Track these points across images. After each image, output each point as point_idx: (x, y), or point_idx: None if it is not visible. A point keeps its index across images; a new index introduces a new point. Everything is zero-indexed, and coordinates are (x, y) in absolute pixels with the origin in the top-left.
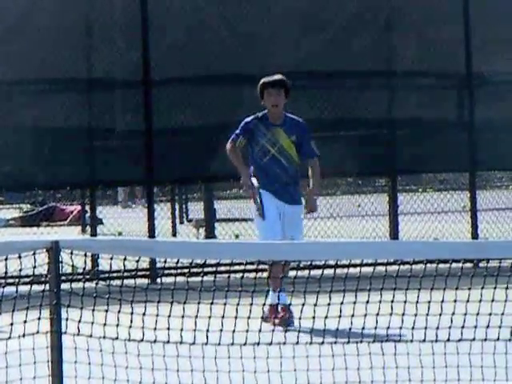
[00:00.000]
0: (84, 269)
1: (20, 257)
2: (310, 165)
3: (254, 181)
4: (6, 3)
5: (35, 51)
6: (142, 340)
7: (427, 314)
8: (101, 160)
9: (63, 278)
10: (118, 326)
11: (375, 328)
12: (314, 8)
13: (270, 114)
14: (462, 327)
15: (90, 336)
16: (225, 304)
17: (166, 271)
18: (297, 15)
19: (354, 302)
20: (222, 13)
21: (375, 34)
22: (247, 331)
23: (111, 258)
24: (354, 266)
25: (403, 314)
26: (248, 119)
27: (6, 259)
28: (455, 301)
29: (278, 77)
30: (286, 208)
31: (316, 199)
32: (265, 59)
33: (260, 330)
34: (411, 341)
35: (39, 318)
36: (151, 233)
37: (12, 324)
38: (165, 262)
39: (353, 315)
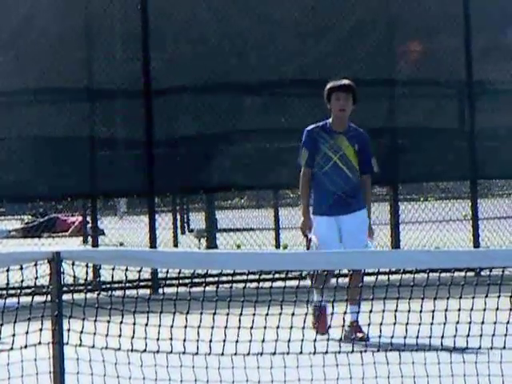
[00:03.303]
0: (86, 279)
1: (21, 268)
2: (362, 179)
3: (312, 237)
4: (6, 14)
5: (36, 62)
6: (144, 350)
7: (431, 323)
8: (102, 170)
9: (65, 288)
10: (120, 336)
11: (379, 337)
12: (314, 17)
13: (335, 119)
14: (467, 336)
15: (92, 347)
16: (227, 314)
17: (168, 281)
18: (297, 24)
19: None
20: (221, 23)
21: (376, 43)
22: (250, 341)
23: (113, 269)
24: None
25: (407, 324)
26: (309, 128)
27: (7, 270)
28: (459, 310)
29: (347, 81)
30: (345, 219)
31: (370, 224)
32: (265, 69)
33: (263, 340)
34: (416, 350)
35: (41, 329)
36: (153, 243)
37: (14, 335)
38: (166, 272)
39: None
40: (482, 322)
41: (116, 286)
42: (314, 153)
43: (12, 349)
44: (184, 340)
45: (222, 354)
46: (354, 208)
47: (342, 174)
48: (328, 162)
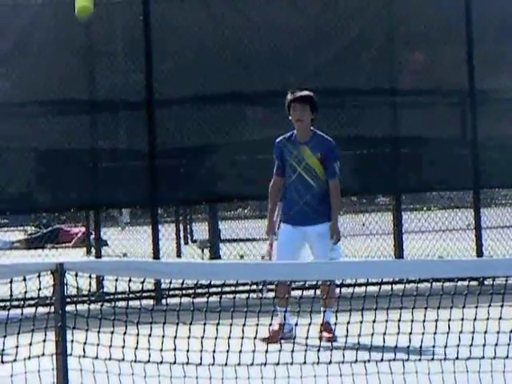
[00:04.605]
0: (89, 290)
1: (25, 279)
2: (330, 186)
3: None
4: (8, 25)
5: (39, 74)
6: (148, 361)
7: (435, 333)
8: (105, 181)
9: (68, 299)
10: (123, 347)
11: (383, 347)
12: (316, 27)
13: (296, 130)
14: (471, 345)
15: (96, 358)
16: (231, 324)
17: (171, 292)
18: (299, 34)
19: (361, 322)
20: (224, 33)
21: (377, 53)
22: (254, 351)
23: (116, 280)
24: (360, 285)
25: (410, 333)
26: (277, 139)
27: (10, 282)
28: (462, 319)
29: (304, 92)
30: (309, 230)
31: (336, 226)
32: (268, 79)
33: (267, 351)
34: (419, 359)
35: (44, 341)
36: (156, 254)
37: (17, 346)
38: (170, 283)
39: (360, 334)
40: (485, 332)
41: (119, 296)
42: (283, 163)
43: (15, 360)
44: (187, 350)
45: (226, 364)
46: (317, 221)
47: (306, 184)
48: (294, 172)
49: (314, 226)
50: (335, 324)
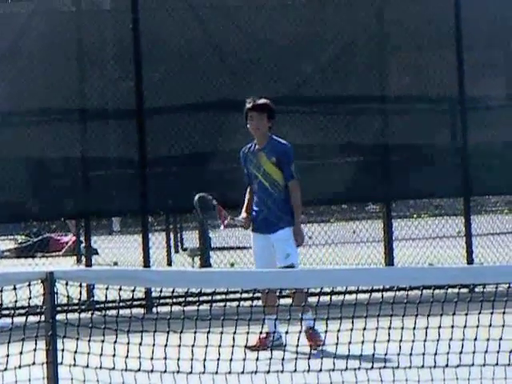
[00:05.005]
0: (79, 299)
1: (15, 288)
2: (289, 187)
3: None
4: None
5: (28, 82)
6: (138, 370)
7: (425, 340)
8: (95, 190)
9: (58, 308)
10: (114, 356)
11: (373, 355)
12: (307, 34)
13: (255, 138)
14: (460, 353)
15: (87, 367)
16: (221, 333)
17: (162, 301)
18: (290, 42)
19: (351, 329)
20: (214, 41)
21: (368, 60)
22: (244, 360)
23: (106, 288)
24: (350, 292)
25: (401, 341)
26: (242, 149)
27: (1, 291)
28: (452, 326)
29: (260, 101)
30: (272, 237)
31: (299, 229)
32: (259, 86)
33: (257, 359)
34: (410, 367)
35: (35, 350)
36: (146, 262)
37: (8, 355)
38: (160, 291)
39: (350, 342)
40: (475, 339)
41: (110, 305)
42: (248, 172)
43: (6, 369)
44: (178, 359)
45: (216, 372)
46: (277, 227)
47: (266, 191)
48: (255, 180)
49: (275, 233)
50: (326, 332)
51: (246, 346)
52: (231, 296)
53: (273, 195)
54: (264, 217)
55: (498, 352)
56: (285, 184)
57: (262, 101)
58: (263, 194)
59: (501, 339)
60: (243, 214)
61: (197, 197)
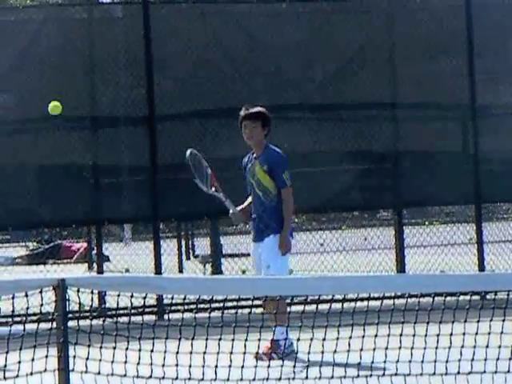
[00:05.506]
0: (91, 306)
1: (27, 295)
2: (281, 195)
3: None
4: (9, 40)
5: (40, 90)
6: (150, 377)
7: (436, 348)
8: (106, 197)
9: (70, 315)
10: (125, 362)
11: (384, 362)
12: (316, 42)
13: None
14: (472, 360)
15: (98, 373)
16: (233, 340)
17: (173, 307)
18: (300, 49)
19: (363, 336)
20: (224, 48)
21: (379, 67)
22: (256, 366)
23: (118, 295)
24: (362, 299)
25: (412, 348)
26: (244, 157)
27: (12, 297)
28: (464, 333)
29: (254, 109)
30: (261, 245)
31: (284, 238)
32: (270, 93)
33: (269, 366)
34: (421, 374)
35: (47, 356)
36: (158, 269)
37: (19, 362)
38: (172, 298)
39: (361, 349)
40: (487, 346)
41: (121, 312)
42: (246, 180)
43: (18, 376)
44: (189, 366)
45: (228, 379)
46: (264, 235)
47: (259, 199)
48: (251, 187)
49: (262, 240)
50: (337, 339)
51: (256, 353)
52: (243, 303)
53: (264, 203)
54: (256, 224)
55: (510, 359)
56: (277, 192)
57: (256, 109)
58: (257, 202)
59: None
60: (239, 207)
61: (188, 151)
